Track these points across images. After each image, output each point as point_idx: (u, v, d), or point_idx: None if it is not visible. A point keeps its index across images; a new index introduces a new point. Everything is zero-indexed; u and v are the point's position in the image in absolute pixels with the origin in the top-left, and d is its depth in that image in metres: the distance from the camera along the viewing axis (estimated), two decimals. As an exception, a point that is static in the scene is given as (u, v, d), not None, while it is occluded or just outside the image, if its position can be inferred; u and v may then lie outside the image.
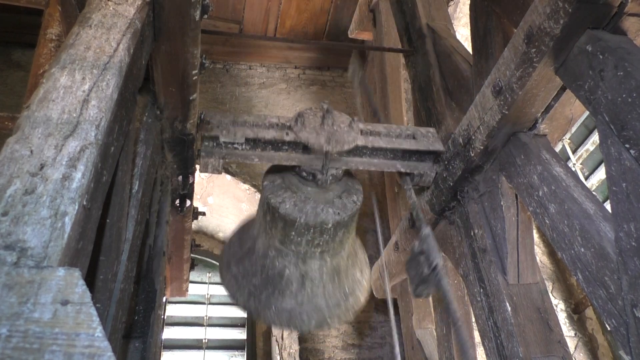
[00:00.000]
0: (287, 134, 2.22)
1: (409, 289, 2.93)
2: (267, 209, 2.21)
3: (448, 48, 2.74)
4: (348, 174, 2.37)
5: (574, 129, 5.28)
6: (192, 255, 3.59)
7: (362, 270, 2.50)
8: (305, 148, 2.21)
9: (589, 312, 4.93)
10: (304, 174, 2.23)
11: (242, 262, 2.35)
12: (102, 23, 1.37)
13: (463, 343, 1.85)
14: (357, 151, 2.32)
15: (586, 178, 5.21)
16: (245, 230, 2.51)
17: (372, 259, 3.69)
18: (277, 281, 2.22)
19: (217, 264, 5.68)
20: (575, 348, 4.86)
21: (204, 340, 5.02)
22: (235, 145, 2.23)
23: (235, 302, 2.34)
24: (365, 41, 5.21)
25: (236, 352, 5.06)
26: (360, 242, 2.67)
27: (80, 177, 0.95)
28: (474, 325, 2.31)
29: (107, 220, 1.39)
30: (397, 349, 2.06)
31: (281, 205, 2.12)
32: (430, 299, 3.02)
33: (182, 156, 2.36)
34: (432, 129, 2.51)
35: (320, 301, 2.25)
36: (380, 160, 2.38)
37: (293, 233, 2.14)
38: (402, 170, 2.41)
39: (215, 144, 2.22)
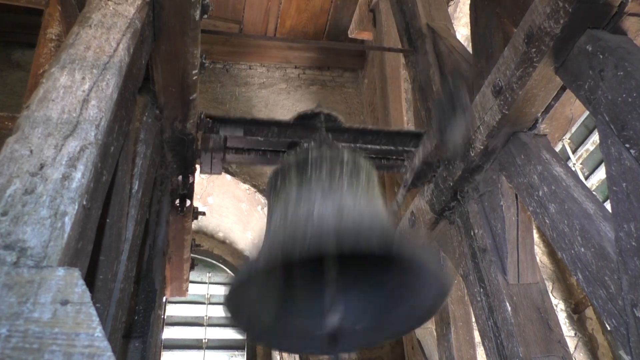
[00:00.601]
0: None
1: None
2: (276, 174, 1.88)
3: (448, 48, 2.74)
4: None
5: (574, 129, 5.27)
6: (192, 255, 3.59)
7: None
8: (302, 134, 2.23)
9: (589, 312, 4.93)
10: (305, 144, 2.17)
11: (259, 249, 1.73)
12: (102, 23, 1.37)
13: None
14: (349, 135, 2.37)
15: (586, 178, 5.21)
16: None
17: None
18: (308, 214, 1.61)
19: (218, 264, 5.69)
20: (575, 348, 4.86)
21: (204, 340, 5.02)
22: (236, 146, 2.25)
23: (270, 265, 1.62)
24: (365, 41, 5.21)
25: (236, 352, 5.06)
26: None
27: (80, 177, 0.95)
28: (474, 325, 2.31)
29: (107, 220, 1.38)
30: None
31: (290, 157, 1.88)
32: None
33: (182, 156, 2.35)
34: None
35: (365, 221, 1.66)
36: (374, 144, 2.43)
37: (309, 169, 1.78)
38: (393, 147, 2.44)
39: (215, 144, 2.23)
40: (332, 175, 1.77)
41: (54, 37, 2.39)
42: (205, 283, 5.44)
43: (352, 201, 1.73)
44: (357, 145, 2.40)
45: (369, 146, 2.43)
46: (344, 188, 1.75)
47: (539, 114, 1.92)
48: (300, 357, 4.01)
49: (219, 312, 5.27)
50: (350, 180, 1.79)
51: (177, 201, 2.73)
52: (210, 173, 2.28)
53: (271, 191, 1.93)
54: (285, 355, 4.36)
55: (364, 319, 1.77)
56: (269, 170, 2.38)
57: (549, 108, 1.89)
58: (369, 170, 1.92)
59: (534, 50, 1.69)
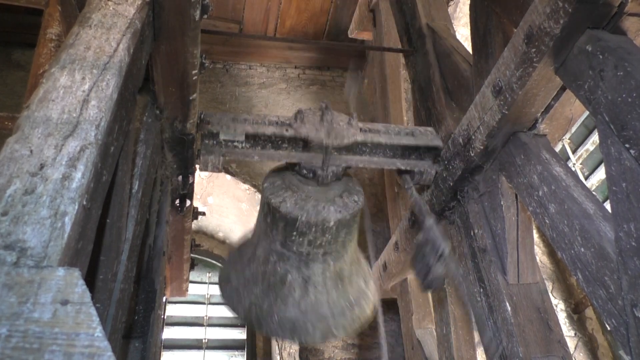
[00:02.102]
0: (287, 130, 2.22)
1: (418, 285, 2.85)
2: (267, 210, 2.17)
3: (448, 48, 2.74)
4: (348, 176, 2.37)
5: (574, 129, 5.27)
6: (192, 255, 3.59)
7: (367, 281, 2.40)
8: (305, 146, 2.21)
9: (589, 312, 4.93)
10: (304, 171, 2.22)
11: (243, 272, 2.27)
12: (102, 23, 1.37)
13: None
14: (356, 149, 2.32)
15: (586, 178, 5.21)
16: (244, 244, 2.45)
17: (372, 258, 3.69)
18: (279, 288, 2.13)
19: (218, 264, 5.69)
20: (575, 348, 4.86)
21: (204, 340, 5.02)
22: (236, 143, 2.23)
23: (236, 314, 2.25)
24: (365, 41, 5.21)
25: (236, 352, 5.06)
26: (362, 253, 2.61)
27: (80, 177, 0.95)
28: (474, 325, 2.31)
29: (107, 220, 1.38)
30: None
31: (282, 205, 2.09)
32: (430, 299, 3.02)
33: (182, 156, 2.35)
34: (430, 128, 2.52)
35: (325, 309, 2.15)
36: (380, 159, 2.38)
37: (294, 233, 2.10)
38: (402, 167, 2.42)
39: (215, 142, 2.23)
40: (312, 246, 2.12)
41: (54, 37, 2.40)
42: (205, 283, 5.45)
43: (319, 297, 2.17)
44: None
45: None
46: (318, 263, 2.16)
47: (539, 114, 1.92)
48: (300, 357, 4.01)
49: (219, 312, 5.27)
50: (325, 252, 2.16)
51: (177, 201, 2.73)
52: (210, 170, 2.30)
53: (262, 214, 2.31)
54: (285, 354, 4.36)
55: None
56: (268, 169, 2.39)
57: (548, 108, 1.89)
58: (353, 223, 2.23)
59: (533, 50, 1.69)
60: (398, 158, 2.41)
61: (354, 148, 2.30)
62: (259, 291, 2.17)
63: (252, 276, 2.21)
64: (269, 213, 2.17)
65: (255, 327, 2.22)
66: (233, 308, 2.24)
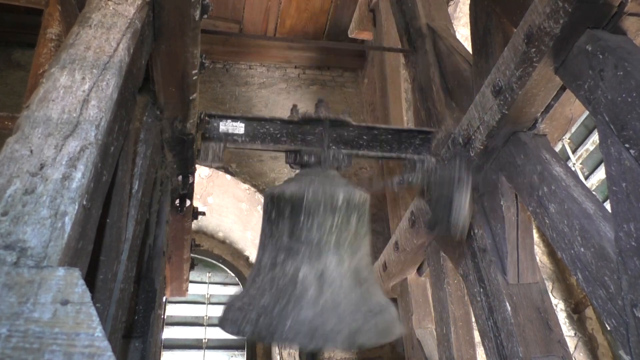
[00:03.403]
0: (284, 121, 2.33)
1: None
2: (271, 206, 2.03)
3: (448, 48, 2.74)
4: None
5: (574, 129, 5.27)
6: (192, 255, 3.59)
7: (388, 302, 2.03)
8: (304, 140, 2.25)
9: (589, 312, 4.93)
10: (306, 157, 2.25)
11: (247, 292, 1.96)
12: (102, 23, 1.37)
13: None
14: (354, 143, 2.38)
15: (586, 178, 5.21)
16: (247, 285, 2.13)
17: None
18: (291, 289, 1.84)
19: (218, 264, 5.69)
20: (575, 348, 4.86)
21: (204, 340, 5.02)
22: (235, 137, 2.28)
23: (242, 335, 1.86)
24: (365, 41, 5.21)
25: (236, 352, 5.06)
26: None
27: (80, 176, 0.95)
28: (474, 325, 2.31)
29: (107, 220, 1.38)
30: None
31: (286, 190, 1.98)
32: (430, 299, 3.01)
33: (182, 156, 2.36)
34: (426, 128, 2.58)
35: (345, 310, 1.81)
36: (378, 151, 2.44)
37: (302, 216, 1.90)
38: (402, 155, 2.45)
39: (215, 135, 2.28)
40: (322, 231, 1.92)
41: (54, 37, 2.39)
42: (205, 283, 5.45)
43: (337, 281, 1.92)
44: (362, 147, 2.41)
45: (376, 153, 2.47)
46: (331, 254, 1.93)
47: (539, 114, 1.92)
48: (300, 356, 4.01)
49: (219, 311, 5.26)
50: (338, 240, 1.96)
51: (177, 201, 2.73)
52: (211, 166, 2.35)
53: (266, 217, 2.11)
54: (285, 354, 4.36)
55: None
56: (268, 169, 2.40)
57: (548, 108, 1.89)
58: (362, 213, 2.09)
59: (533, 50, 1.69)
60: (395, 146, 2.50)
61: (351, 143, 2.36)
62: (268, 299, 1.86)
63: (258, 290, 1.92)
64: (273, 208, 2.02)
65: (266, 339, 1.85)
66: (238, 330, 1.86)
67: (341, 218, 1.92)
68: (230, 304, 1.99)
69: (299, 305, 1.78)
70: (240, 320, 1.83)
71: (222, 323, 1.93)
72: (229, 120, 2.31)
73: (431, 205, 2.39)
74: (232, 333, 1.89)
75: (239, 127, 2.24)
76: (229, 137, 2.30)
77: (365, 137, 2.41)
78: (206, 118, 2.27)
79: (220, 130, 2.27)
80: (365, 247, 2.08)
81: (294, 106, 2.34)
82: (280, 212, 1.96)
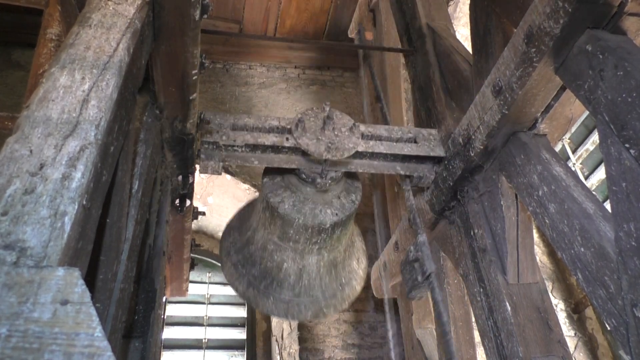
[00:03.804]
0: (287, 139, 2.22)
1: (403, 292, 3.00)
2: (266, 206, 2.25)
3: (448, 48, 2.74)
4: (348, 172, 2.39)
5: (574, 129, 5.27)
6: (192, 255, 3.59)
7: (359, 259, 2.61)
8: (305, 152, 2.21)
9: (589, 311, 4.93)
10: (304, 175, 2.24)
11: (242, 251, 2.44)
12: (102, 23, 1.37)
13: (450, 354, 1.92)
14: (357, 154, 2.32)
15: (586, 178, 5.21)
16: (244, 217, 2.60)
17: (372, 259, 3.69)
18: (276, 273, 2.32)
19: (218, 264, 5.68)
20: (575, 348, 4.86)
21: (204, 340, 5.02)
22: (235, 148, 2.25)
23: (235, 289, 2.43)
24: (365, 41, 5.20)
25: (236, 352, 5.06)
26: (359, 229, 2.75)
27: (80, 176, 0.95)
28: (474, 325, 2.31)
29: (107, 220, 1.38)
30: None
31: (280, 205, 2.15)
32: (430, 299, 3.01)
33: (182, 156, 2.36)
34: (434, 131, 2.51)
35: (317, 292, 2.35)
36: (380, 163, 2.39)
37: (291, 232, 2.19)
38: (402, 172, 2.42)
39: (215, 147, 2.25)
40: (308, 243, 2.26)
41: (54, 37, 2.39)
42: (205, 283, 5.45)
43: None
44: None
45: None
46: (313, 256, 2.33)
47: (539, 114, 1.92)
48: (300, 356, 4.01)
49: (219, 312, 5.27)
50: (320, 247, 2.31)
51: (177, 201, 2.73)
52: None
53: (262, 208, 2.38)
54: (285, 354, 4.36)
55: None
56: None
57: (548, 108, 1.89)
58: (347, 224, 2.37)
59: (533, 50, 1.69)
60: (398, 162, 2.42)
61: (354, 154, 2.31)
62: (257, 272, 2.35)
63: (250, 257, 2.40)
64: (267, 208, 2.26)
65: (252, 305, 2.48)
66: (232, 285, 2.44)
67: (327, 235, 2.25)
68: (228, 247, 2.52)
69: (280, 288, 2.31)
70: (235, 279, 2.40)
71: (222, 264, 2.53)
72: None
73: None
74: (228, 282, 2.46)
75: (238, 142, 2.25)
76: (228, 149, 2.31)
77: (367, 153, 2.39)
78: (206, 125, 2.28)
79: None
80: (346, 237, 2.44)
81: (300, 119, 2.27)
82: (273, 219, 2.24)
